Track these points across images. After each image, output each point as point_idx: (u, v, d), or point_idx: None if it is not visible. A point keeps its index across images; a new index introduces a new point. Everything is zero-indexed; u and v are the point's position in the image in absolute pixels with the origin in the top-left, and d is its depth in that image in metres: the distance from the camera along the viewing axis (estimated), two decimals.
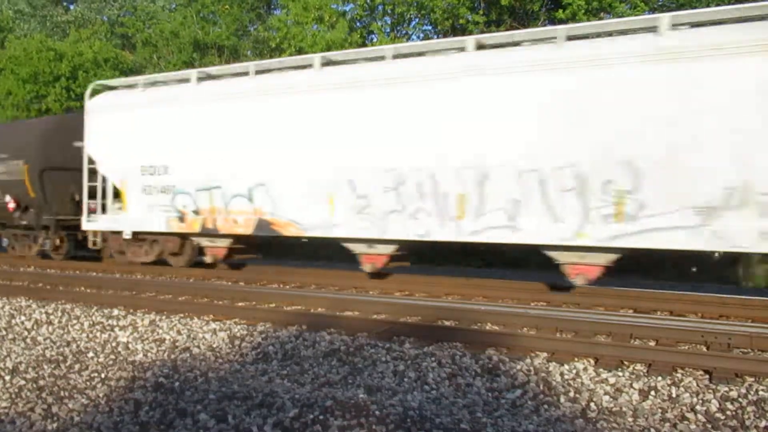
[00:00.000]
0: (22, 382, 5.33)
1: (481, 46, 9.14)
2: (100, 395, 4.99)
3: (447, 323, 7.42)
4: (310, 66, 10.14)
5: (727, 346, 6.24)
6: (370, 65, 9.80)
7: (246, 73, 10.79)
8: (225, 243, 11.30)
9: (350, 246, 10.14)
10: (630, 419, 4.50)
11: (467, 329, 6.90)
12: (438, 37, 17.09)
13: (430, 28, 18.30)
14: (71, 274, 12.01)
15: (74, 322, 7.62)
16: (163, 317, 7.69)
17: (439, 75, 9.01)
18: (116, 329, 7.23)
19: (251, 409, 4.56)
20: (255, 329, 6.97)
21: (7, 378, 5.46)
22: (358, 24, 18.41)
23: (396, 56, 9.57)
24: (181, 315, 7.85)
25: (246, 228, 10.59)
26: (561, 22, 14.45)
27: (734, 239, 7.46)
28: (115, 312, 8.01)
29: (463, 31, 15.78)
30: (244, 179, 10.50)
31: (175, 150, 11.15)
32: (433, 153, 8.98)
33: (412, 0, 16.85)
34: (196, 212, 11.05)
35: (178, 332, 7.02)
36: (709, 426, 4.39)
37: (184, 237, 11.90)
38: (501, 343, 6.26)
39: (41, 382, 5.32)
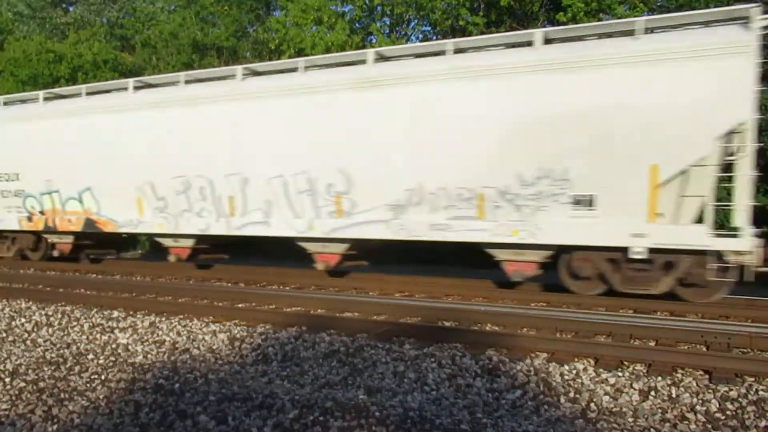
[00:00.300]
0: (23, 384, 5.33)
1: (249, 74, 11.00)
2: (100, 397, 4.99)
3: (447, 324, 7.42)
4: (125, 89, 12.16)
5: (727, 346, 6.24)
6: (169, 89, 11.75)
7: (79, 95, 12.69)
8: (69, 239, 13.43)
9: (161, 240, 12.17)
10: (630, 419, 4.51)
11: (467, 330, 6.90)
12: (438, 38, 17.10)
13: (429, 28, 18.30)
14: (71, 276, 12.03)
15: (74, 324, 7.62)
16: (163, 319, 7.70)
17: (208, 99, 10.97)
18: (116, 331, 7.24)
19: (251, 411, 4.56)
20: (255, 330, 6.97)
21: (8, 380, 5.46)
22: (357, 25, 18.41)
23: (188, 81, 11.54)
24: (181, 316, 7.85)
25: (77, 226, 12.70)
26: (561, 24, 14.47)
27: (413, 230, 9.41)
28: (115, 314, 8.01)
29: (462, 32, 15.77)
30: (76, 184, 12.52)
31: (25, 159, 13.05)
32: (210, 162, 10.91)
33: (411, 0, 16.84)
34: (42, 213, 13.16)
35: (178, 334, 7.02)
36: (709, 426, 4.40)
37: (38, 234, 13.95)
38: (501, 344, 6.26)
39: (41, 384, 5.33)
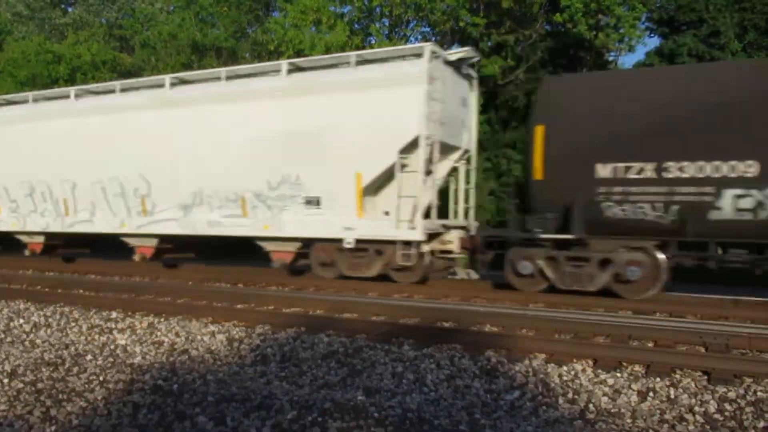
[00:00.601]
0: (21, 385, 5.32)
1: (82, 93, 13.09)
2: (99, 398, 4.99)
3: (446, 325, 7.42)
4: None
5: (725, 347, 6.24)
6: (19, 106, 13.86)
7: None
8: None
9: (20, 237, 14.39)
10: (629, 420, 4.51)
11: (466, 330, 6.90)
12: (437, 39, 17.11)
13: (428, 29, 18.31)
14: (70, 277, 12.02)
15: (73, 324, 7.62)
16: (162, 320, 7.69)
17: (48, 115, 13.18)
18: (115, 332, 7.23)
19: (250, 412, 4.56)
20: (254, 331, 6.97)
21: (6, 381, 5.45)
22: (356, 26, 18.40)
23: (35, 99, 13.67)
24: (180, 317, 7.84)
25: None
26: (559, 25, 14.50)
27: (196, 226, 11.63)
28: (114, 314, 8.01)
29: (462, 33, 15.79)
30: None
31: None
32: (49, 169, 13.04)
33: (410, 1, 16.84)
34: None
35: (177, 335, 7.01)
36: (708, 427, 4.40)
37: None
38: (500, 345, 6.26)
39: (40, 385, 5.32)
